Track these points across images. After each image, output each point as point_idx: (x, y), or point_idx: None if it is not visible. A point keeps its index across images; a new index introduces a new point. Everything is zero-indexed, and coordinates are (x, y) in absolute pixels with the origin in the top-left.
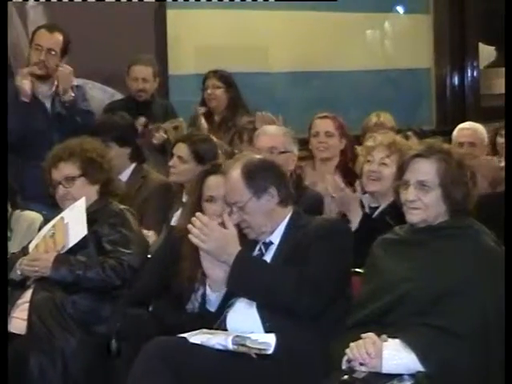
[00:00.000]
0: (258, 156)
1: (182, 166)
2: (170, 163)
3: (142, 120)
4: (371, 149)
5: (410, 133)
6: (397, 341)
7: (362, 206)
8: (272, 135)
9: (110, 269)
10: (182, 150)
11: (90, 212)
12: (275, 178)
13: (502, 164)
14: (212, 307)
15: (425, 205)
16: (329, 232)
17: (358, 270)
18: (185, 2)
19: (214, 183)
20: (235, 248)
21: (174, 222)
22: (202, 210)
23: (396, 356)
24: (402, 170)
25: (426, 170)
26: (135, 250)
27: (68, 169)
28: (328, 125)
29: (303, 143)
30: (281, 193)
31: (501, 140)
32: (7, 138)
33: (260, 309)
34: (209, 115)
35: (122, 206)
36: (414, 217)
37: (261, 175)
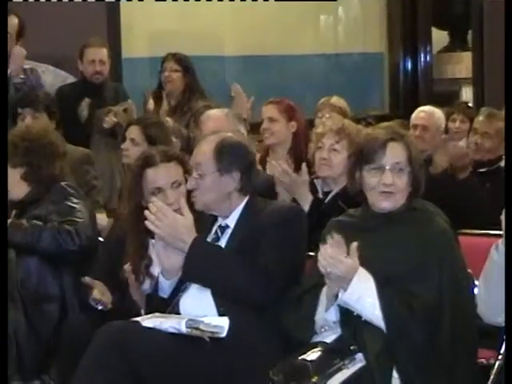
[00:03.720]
0: (237, 138)
1: (134, 148)
2: (123, 146)
3: (86, 101)
4: (321, 135)
5: (370, 120)
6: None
7: (316, 191)
8: (215, 118)
9: (65, 233)
10: (134, 132)
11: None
12: (243, 165)
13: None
14: (165, 294)
15: (399, 189)
16: (284, 219)
17: (310, 253)
18: None
19: (155, 176)
20: (190, 235)
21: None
22: (144, 205)
23: (364, 297)
24: (372, 154)
25: (400, 153)
26: (86, 218)
27: None
28: (271, 111)
29: (256, 128)
30: (243, 180)
31: (452, 125)
32: (7, 137)
33: (214, 293)
34: (161, 99)
35: (62, 183)
36: (386, 202)
37: (231, 157)
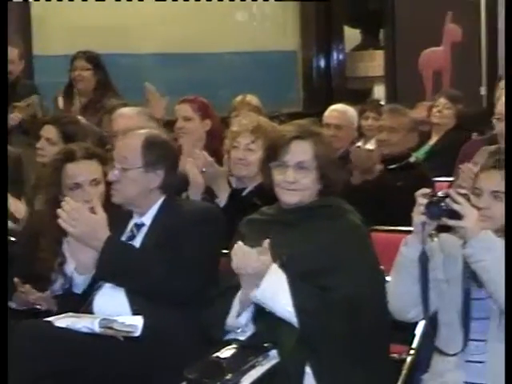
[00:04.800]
0: (164, 135)
1: (50, 147)
2: (38, 145)
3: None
4: (236, 134)
5: (282, 118)
6: (285, 282)
7: (230, 186)
8: (126, 116)
9: None
10: (50, 131)
11: None
12: (168, 163)
13: (369, 147)
14: (79, 290)
15: (303, 186)
16: (202, 218)
17: (224, 251)
18: None
19: (75, 171)
20: (105, 233)
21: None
22: (60, 199)
23: (276, 287)
24: (277, 151)
25: (304, 151)
26: None
27: None
28: (185, 109)
29: (171, 125)
30: (166, 179)
31: (364, 122)
32: (7, 137)
33: (128, 292)
34: (71, 97)
35: None
36: (291, 198)
37: (158, 153)
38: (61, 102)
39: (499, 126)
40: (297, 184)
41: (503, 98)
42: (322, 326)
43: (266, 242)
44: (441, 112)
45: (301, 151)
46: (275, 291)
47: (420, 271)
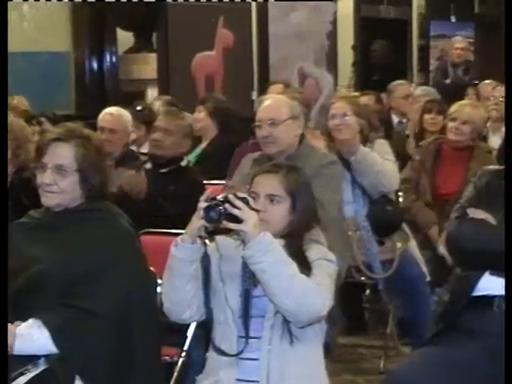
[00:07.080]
0: None
1: None
2: None
3: None
4: None
5: (43, 118)
6: (30, 320)
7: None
8: None
9: None
10: None
11: None
12: None
13: (142, 150)
14: None
15: (61, 189)
16: None
17: None
18: None
19: None
20: None
21: None
22: None
23: (29, 335)
24: (40, 152)
25: (64, 154)
26: None
27: None
28: None
29: None
30: None
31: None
32: (7, 136)
33: None
34: None
35: None
36: (49, 200)
37: None
38: None
39: (258, 133)
40: (54, 186)
41: (265, 103)
42: (86, 351)
43: (16, 324)
44: None
45: (59, 153)
46: (31, 348)
47: (202, 272)
